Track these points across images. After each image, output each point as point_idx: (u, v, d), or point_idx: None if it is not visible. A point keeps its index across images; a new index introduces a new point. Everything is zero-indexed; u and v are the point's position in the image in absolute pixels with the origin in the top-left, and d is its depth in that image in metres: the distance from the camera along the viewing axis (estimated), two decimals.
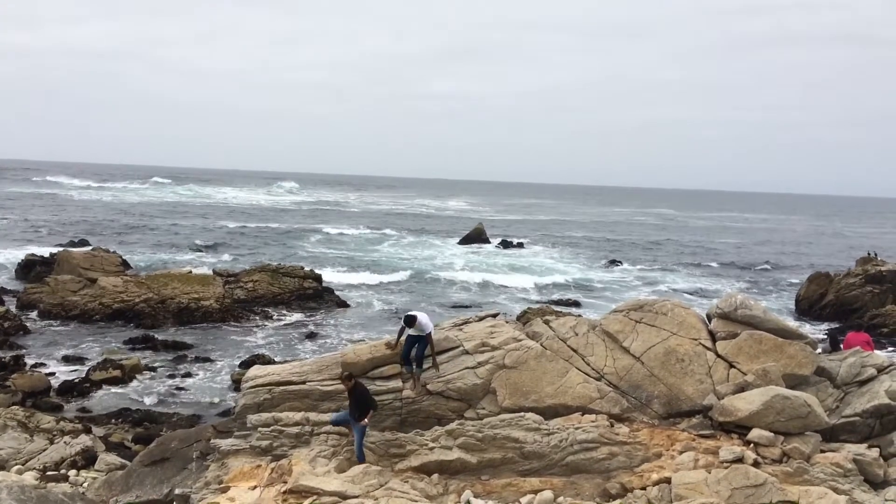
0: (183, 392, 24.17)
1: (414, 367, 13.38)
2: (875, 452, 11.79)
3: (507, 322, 15.07)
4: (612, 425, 12.53)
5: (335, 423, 13.06)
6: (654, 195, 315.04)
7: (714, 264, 65.91)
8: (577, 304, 41.89)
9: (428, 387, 13.26)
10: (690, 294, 46.75)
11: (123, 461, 16.56)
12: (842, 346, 15.22)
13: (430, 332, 13.35)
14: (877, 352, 14.57)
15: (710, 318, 14.32)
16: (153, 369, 26.10)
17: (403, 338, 13.51)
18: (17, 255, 46.58)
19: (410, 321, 13.32)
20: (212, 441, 13.83)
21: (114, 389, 23.87)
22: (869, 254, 47.54)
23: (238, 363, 26.71)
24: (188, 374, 25.90)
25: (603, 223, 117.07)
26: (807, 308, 41.87)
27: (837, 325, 35.70)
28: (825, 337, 21.99)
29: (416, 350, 13.34)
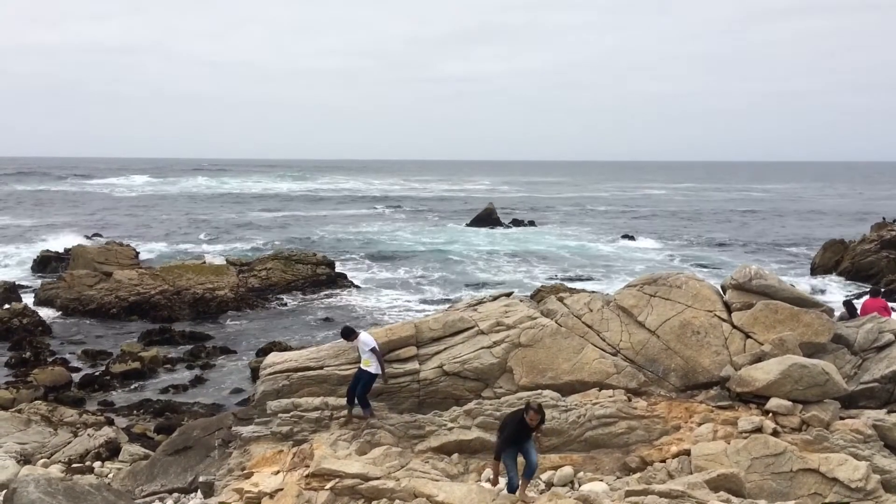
0: (202, 381, 24.37)
1: (356, 405, 12.82)
2: (894, 417, 11.77)
3: (521, 301, 15.07)
4: (629, 400, 12.56)
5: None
6: (669, 169, 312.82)
7: (728, 236, 65.58)
8: (590, 280, 41.85)
9: (444, 367, 13.30)
10: (705, 266, 46.56)
11: (147, 451, 16.75)
12: (858, 312, 15.14)
13: (373, 347, 12.77)
14: (893, 317, 14.47)
15: (724, 289, 14.28)
16: (172, 360, 26.32)
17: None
18: (34, 251, 47.03)
19: (347, 333, 13.12)
20: (233, 428, 13.96)
21: (134, 381, 24.13)
22: (884, 219, 47.17)
23: (255, 351, 26.91)
24: (206, 364, 26.11)
25: (615, 198, 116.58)
26: (822, 276, 41.65)
27: (854, 293, 35.50)
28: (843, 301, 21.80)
29: (359, 387, 12.73)
